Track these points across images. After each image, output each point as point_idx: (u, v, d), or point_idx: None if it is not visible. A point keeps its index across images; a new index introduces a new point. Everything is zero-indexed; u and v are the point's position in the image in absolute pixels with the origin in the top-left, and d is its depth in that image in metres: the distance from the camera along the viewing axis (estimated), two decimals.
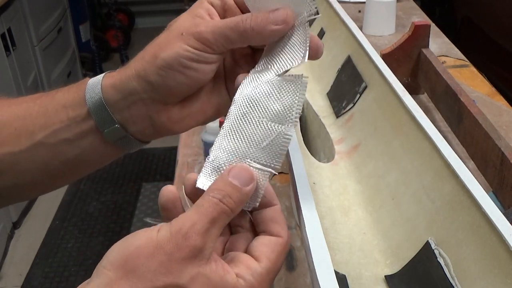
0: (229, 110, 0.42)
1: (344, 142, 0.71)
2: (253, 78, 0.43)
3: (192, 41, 0.43)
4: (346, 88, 0.77)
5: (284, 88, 0.41)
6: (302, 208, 0.44)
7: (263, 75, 0.43)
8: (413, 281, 0.46)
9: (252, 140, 0.39)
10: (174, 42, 0.43)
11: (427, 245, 0.47)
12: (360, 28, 1.35)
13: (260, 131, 0.40)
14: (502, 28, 2.22)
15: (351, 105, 0.74)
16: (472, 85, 1.12)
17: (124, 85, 0.45)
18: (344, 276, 0.49)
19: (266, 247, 0.38)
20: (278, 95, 0.41)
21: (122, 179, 2.40)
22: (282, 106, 0.40)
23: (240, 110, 0.41)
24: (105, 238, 2.04)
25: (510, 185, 0.64)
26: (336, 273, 0.39)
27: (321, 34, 0.97)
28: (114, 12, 3.34)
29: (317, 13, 0.43)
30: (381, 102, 0.67)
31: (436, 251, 0.45)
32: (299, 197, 0.46)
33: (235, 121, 0.41)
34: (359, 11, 1.50)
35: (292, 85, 0.41)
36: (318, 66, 0.91)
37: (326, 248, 0.40)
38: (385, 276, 0.50)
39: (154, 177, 2.41)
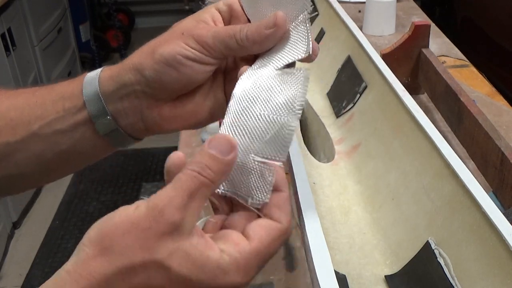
0: (229, 105, 0.41)
1: (344, 142, 0.71)
2: (251, 74, 0.43)
3: (191, 41, 0.43)
4: (346, 88, 0.77)
5: (285, 81, 0.41)
6: (302, 208, 0.44)
7: (262, 70, 0.43)
8: (413, 281, 0.46)
9: (254, 134, 0.39)
10: (173, 40, 0.44)
11: (427, 245, 0.47)
12: (360, 28, 1.35)
13: (262, 124, 0.39)
14: (502, 28, 2.22)
15: (351, 105, 0.74)
16: (472, 85, 1.12)
17: (120, 77, 0.46)
18: (344, 276, 0.49)
19: (262, 229, 0.36)
20: (279, 88, 0.41)
21: (122, 179, 2.40)
22: (284, 99, 0.40)
23: (240, 104, 0.41)
24: None
25: (510, 185, 0.64)
26: (336, 273, 0.39)
27: (321, 34, 0.97)
28: (114, 12, 3.33)
29: (314, 10, 0.43)
30: (381, 102, 0.67)
31: (436, 251, 0.45)
32: (299, 197, 0.46)
33: (235, 115, 0.40)
34: (359, 11, 1.50)
35: (294, 78, 0.41)
36: (318, 66, 0.91)
37: (326, 248, 0.40)
38: (385, 276, 0.50)
39: (154, 177, 2.41)
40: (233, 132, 0.39)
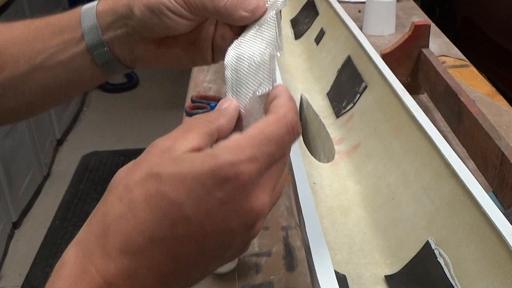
0: (225, 75, 0.43)
1: (344, 142, 0.71)
2: (235, 44, 0.46)
3: None
4: (346, 88, 0.77)
5: (263, 30, 0.44)
6: (302, 208, 0.44)
7: (243, 37, 0.46)
8: (413, 281, 0.47)
9: (249, 80, 0.40)
10: None
11: (427, 245, 0.47)
12: (360, 28, 1.35)
13: (253, 69, 0.40)
14: (502, 28, 2.22)
15: (351, 105, 0.74)
16: (472, 85, 1.12)
17: (116, 9, 0.50)
18: (344, 276, 0.49)
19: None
20: (259, 38, 0.43)
21: None
22: (266, 43, 0.42)
23: (231, 68, 0.43)
24: None
25: (510, 185, 0.64)
26: (336, 273, 0.39)
27: (321, 34, 0.97)
28: None
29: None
30: (381, 102, 0.67)
31: (436, 251, 0.45)
32: (299, 197, 0.46)
33: (232, 79, 0.42)
34: (359, 11, 1.50)
35: (268, 23, 0.44)
36: (318, 66, 0.91)
37: (326, 248, 0.40)
38: (385, 276, 0.50)
39: None
40: (235, 91, 0.41)
